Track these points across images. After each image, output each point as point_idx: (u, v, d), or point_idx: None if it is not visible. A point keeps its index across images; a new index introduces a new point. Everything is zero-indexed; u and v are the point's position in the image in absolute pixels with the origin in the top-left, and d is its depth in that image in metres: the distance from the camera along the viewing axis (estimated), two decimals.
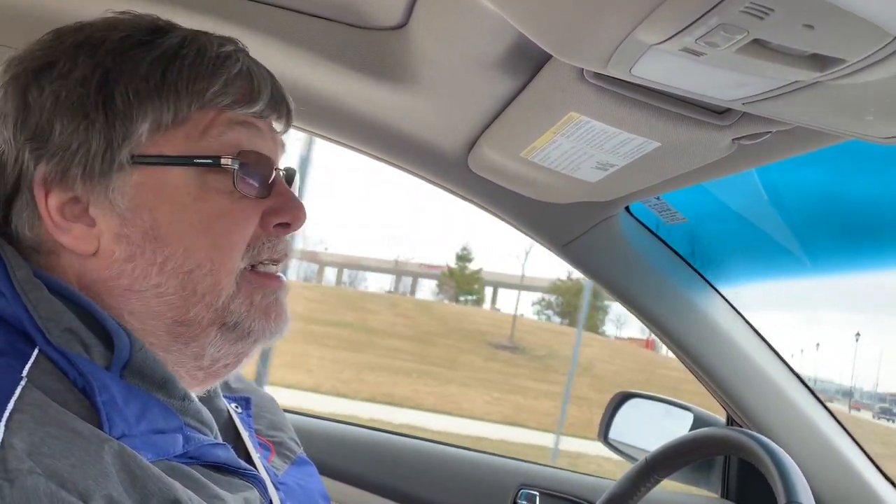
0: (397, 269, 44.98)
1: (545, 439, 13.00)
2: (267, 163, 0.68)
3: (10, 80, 0.65)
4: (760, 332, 1.37)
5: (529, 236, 1.35)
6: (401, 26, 0.93)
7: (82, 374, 0.56)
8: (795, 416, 1.32)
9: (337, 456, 1.49)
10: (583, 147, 0.93)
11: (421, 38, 0.89)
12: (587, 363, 24.69)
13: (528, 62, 0.84)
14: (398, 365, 21.20)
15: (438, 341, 25.79)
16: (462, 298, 39.42)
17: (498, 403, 18.33)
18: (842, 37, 0.47)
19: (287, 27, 0.98)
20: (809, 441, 1.31)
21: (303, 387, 15.51)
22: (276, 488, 0.72)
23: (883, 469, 1.32)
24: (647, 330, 1.38)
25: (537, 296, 39.80)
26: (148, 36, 0.66)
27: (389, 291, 42.51)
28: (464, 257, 39.49)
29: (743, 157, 0.88)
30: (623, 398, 1.56)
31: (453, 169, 1.22)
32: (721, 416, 1.48)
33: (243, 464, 0.67)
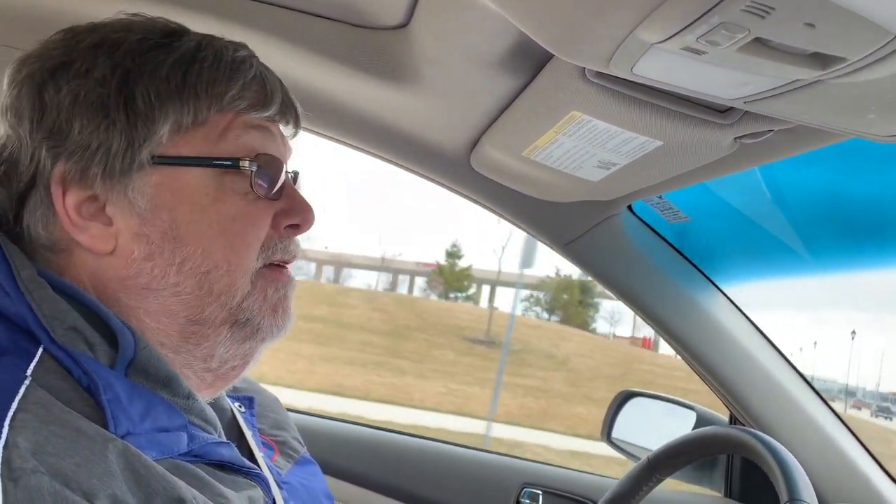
0: (383, 266, 44.72)
1: (484, 428, 12.87)
2: (279, 165, 0.69)
3: (25, 78, 0.65)
4: (763, 330, 1.37)
5: (532, 235, 1.36)
6: (402, 26, 0.93)
7: (87, 372, 0.56)
8: (798, 415, 1.32)
9: (340, 455, 1.49)
10: (585, 146, 0.93)
11: (423, 38, 0.89)
12: (564, 357, 24.65)
13: (529, 61, 0.85)
14: (363, 357, 20.99)
15: (413, 335, 25.54)
16: (452, 295, 38.91)
17: (451, 395, 18.26)
18: (843, 35, 0.47)
19: (289, 27, 0.99)
20: (812, 439, 1.31)
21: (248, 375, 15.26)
22: (280, 487, 0.72)
23: (885, 467, 1.32)
24: (639, 328, 1.38)
25: (527, 292, 39.40)
26: (164, 39, 0.67)
27: (370, 287, 41.94)
28: (454, 254, 38.93)
29: (745, 155, 0.88)
30: (626, 397, 1.55)
31: (456, 168, 1.22)
32: (724, 415, 1.47)
33: (247, 462, 0.67)
